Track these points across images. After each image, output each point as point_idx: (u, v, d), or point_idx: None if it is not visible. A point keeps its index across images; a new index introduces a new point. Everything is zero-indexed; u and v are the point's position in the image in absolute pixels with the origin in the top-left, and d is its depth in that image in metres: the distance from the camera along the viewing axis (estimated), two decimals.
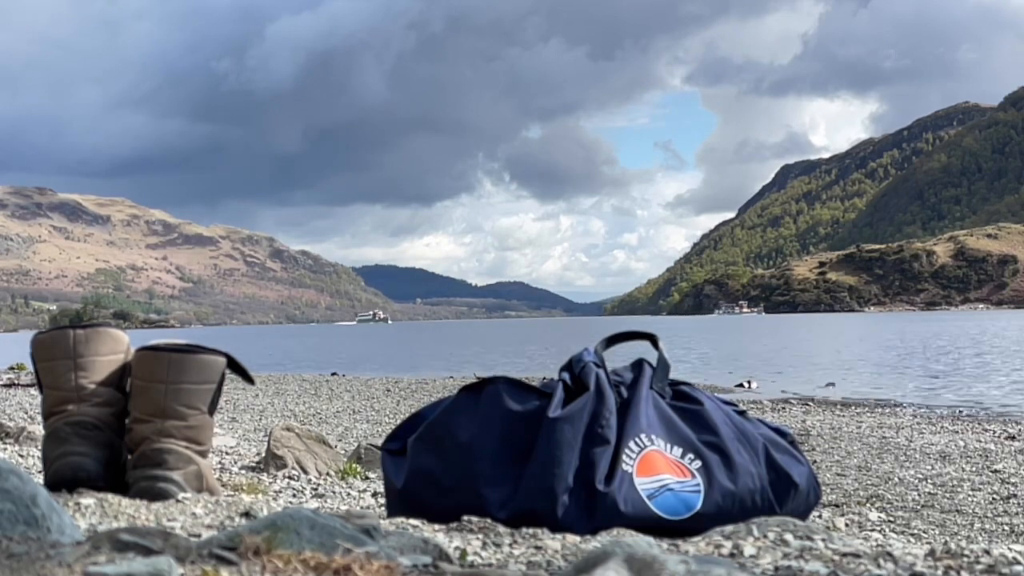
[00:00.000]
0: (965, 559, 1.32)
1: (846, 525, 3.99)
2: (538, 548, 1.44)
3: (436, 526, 1.66)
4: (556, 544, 1.47)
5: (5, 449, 4.34)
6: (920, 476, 5.74)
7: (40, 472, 2.30)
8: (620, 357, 2.20)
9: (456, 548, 1.40)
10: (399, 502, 2.00)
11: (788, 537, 1.48)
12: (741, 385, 16.09)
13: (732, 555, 1.36)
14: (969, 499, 4.93)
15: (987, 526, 4.28)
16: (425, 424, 2.02)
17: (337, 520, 1.19)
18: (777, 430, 2.12)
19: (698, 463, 1.96)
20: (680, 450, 1.97)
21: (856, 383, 16.68)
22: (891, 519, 4.34)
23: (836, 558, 1.32)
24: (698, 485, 1.92)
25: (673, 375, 2.14)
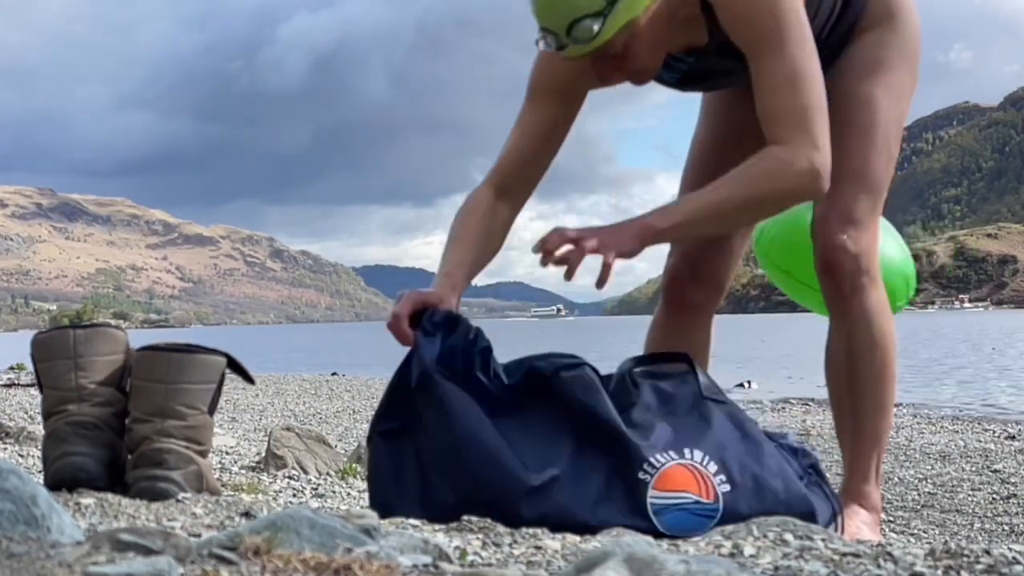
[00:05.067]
0: (965, 559, 1.32)
1: None
2: (538, 548, 1.44)
3: (436, 526, 1.66)
4: (556, 544, 1.47)
5: (5, 449, 4.34)
6: (920, 476, 5.74)
7: (40, 472, 2.30)
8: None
9: (456, 548, 1.40)
10: None
11: (788, 537, 1.48)
12: (741, 385, 16.01)
13: (732, 555, 1.37)
14: (969, 499, 4.93)
15: (987, 526, 4.28)
16: None
17: (337, 520, 1.20)
18: (812, 466, 2.00)
19: (727, 487, 1.86)
20: (715, 467, 1.87)
21: None
22: (891, 519, 4.33)
23: (836, 558, 1.32)
24: (716, 511, 1.83)
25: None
